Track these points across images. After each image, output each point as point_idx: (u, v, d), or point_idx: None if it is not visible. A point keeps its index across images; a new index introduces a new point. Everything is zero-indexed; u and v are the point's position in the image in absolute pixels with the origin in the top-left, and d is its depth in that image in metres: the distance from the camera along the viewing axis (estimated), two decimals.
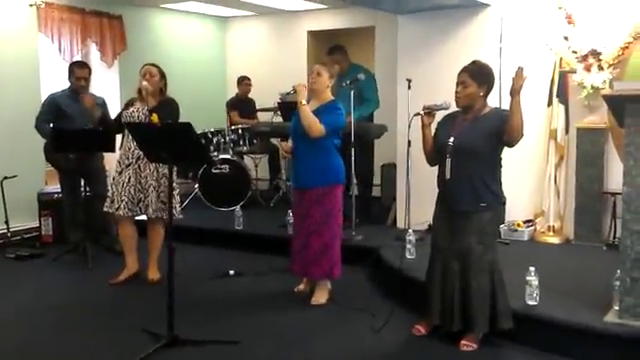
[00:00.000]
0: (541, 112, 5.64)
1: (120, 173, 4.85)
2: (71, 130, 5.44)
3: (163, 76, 4.97)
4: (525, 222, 5.70)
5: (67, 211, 5.92)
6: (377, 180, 6.89)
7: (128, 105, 5.00)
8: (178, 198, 5.06)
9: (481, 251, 3.61)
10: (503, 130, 3.52)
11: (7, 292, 4.89)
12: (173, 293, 3.74)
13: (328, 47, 6.56)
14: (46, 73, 6.91)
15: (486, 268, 3.62)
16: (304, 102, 4.32)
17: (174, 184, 4.92)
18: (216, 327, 4.06)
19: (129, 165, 4.83)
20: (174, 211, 4.90)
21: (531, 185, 5.80)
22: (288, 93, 4.49)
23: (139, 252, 5.10)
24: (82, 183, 5.63)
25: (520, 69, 3.45)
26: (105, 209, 4.93)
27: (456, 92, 3.68)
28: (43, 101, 5.89)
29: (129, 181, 4.81)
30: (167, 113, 4.65)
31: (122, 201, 4.81)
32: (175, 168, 5.00)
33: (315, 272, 4.51)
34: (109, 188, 4.97)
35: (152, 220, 4.95)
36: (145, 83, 4.73)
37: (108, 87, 7.49)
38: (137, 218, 5.03)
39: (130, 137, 4.77)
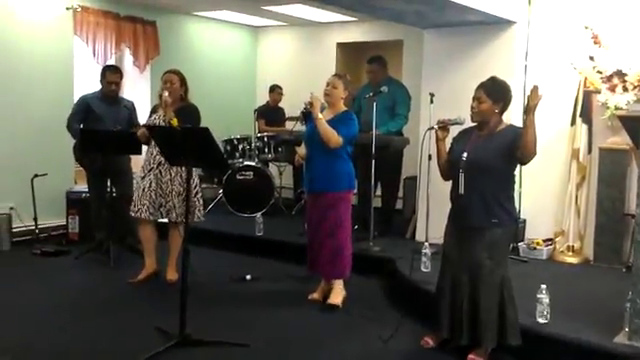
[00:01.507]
0: (564, 131, 5.62)
1: (143, 178, 4.99)
2: (98, 131, 5.60)
3: (183, 82, 5.06)
4: (545, 241, 5.68)
5: (93, 210, 6.07)
6: (400, 192, 6.90)
7: (153, 112, 5.14)
8: (202, 201, 5.15)
9: (492, 266, 3.62)
10: (517, 147, 3.54)
11: (28, 286, 5.04)
12: (186, 293, 3.83)
13: (369, 56, 6.60)
14: (80, 75, 7.10)
15: (496, 283, 3.63)
16: (320, 115, 4.48)
17: (197, 188, 5.04)
18: (227, 329, 4.12)
19: (150, 170, 4.95)
20: (198, 213, 5.03)
21: (552, 204, 5.77)
22: (307, 105, 4.59)
23: (160, 253, 5.21)
24: (108, 183, 5.78)
25: (535, 87, 3.46)
26: (131, 213, 5.05)
27: (471, 107, 3.71)
28: (75, 102, 6.07)
29: (150, 186, 4.94)
30: (186, 119, 4.73)
31: (143, 205, 4.94)
32: (199, 172, 5.16)
33: (331, 272, 4.69)
34: (134, 191, 5.09)
35: (174, 223, 5.06)
36: (165, 94, 4.80)
37: (139, 92, 7.68)
38: (160, 220, 5.14)
39: (153, 143, 4.90)
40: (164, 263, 5.18)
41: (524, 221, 5.77)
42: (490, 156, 3.63)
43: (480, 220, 3.66)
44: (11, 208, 6.21)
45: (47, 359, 3.64)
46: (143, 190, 4.95)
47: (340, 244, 4.62)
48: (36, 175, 6.26)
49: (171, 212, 4.96)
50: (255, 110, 8.23)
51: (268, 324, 4.30)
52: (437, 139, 3.89)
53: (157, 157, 4.92)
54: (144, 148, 5.25)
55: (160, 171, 4.94)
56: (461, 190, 3.71)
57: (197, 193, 5.04)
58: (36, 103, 6.54)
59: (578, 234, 5.59)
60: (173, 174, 4.93)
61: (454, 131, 3.95)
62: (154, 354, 3.59)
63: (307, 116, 5.45)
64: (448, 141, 3.92)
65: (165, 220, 5.10)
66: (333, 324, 4.34)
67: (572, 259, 5.54)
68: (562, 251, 5.63)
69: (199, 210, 5.05)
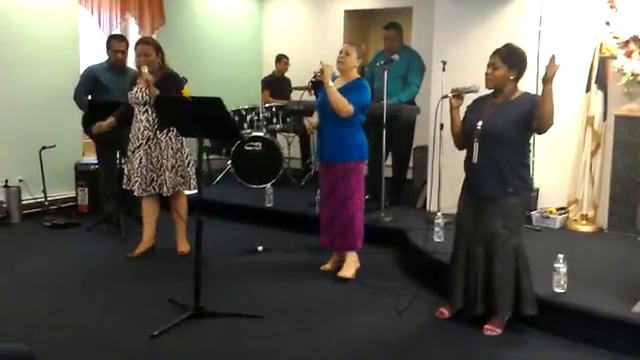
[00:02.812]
0: (579, 98, 5.53)
1: (133, 152, 4.89)
2: (106, 102, 5.53)
3: (159, 50, 4.87)
4: (558, 209, 5.62)
5: (102, 182, 6.04)
6: (410, 162, 6.84)
7: (133, 83, 4.96)
8: (193, 169, 5.01)
9: (506, 235, 3.58)
10: (533, 116, 3.47)
11: (40, 259, 5.03)
12: (200, 265, 3.81)
13: (384, 23, 6.47)
14: (85, 45, 7.01)
15: (510, 253, 3.60)
16: (331, 83, 4.38)
17: (190, 158, 4.95)
18: (242, 301, 4.12)
19: (140, 146, 4.85)
20: (193, 182, 4.96)
21: (566, 172, 5.71)
22: (317, 74, 4.50)
23: (167, 226, 5.17)
24: (118, 155, 5.74)
25: (553, 57, 3.38)
26: (123, 186, 4.99)
27: (486, 74, 3.65)
28: (82, 73, 6.01)
29: (140, 162, 4.84)
30: (171, 88, 4.68)
31: (135, 182, 4.86)
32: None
33: (341, 244, 4.65)
34: (126, 165, 5.00)
35: (172, 196, 4.99)
36: (145, 70, 4.67)
37: None
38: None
39: (139, 117, 4.83)
40: (171, 236, 5.14)
41: (537, 190, 5.70)
42: (505, 124, 3.57)
43: (495, 189, 3.61)
44: (20, 180, 6.17)
45: (62, 332, 3.63)
46: (132, 165, 4.87)
47: (351, 215, 4.57)
48: (44, 147, 6.22)
49: (163, 186, 4.88)
50: (262, 81, 8.16)
51: (281, 296, 4.29)
52: (451, 107, 3.81)
53: (145, 132, 4.83)
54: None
55: (150, 146, 4.84)
56: (475, 159, 3.66)
57: (189, 163, 4.96)
58: (42, 75, 6.45)
59: (592, 203, 5.53)
60: (163, 147, 4.83)
61: (468, 100, 3.88)
62: (170, 326, 3.59)
63: (317, 85, 5.38)
64: (462, 110, 3.85)
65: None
66: (347, 295, 4.32)
67: (586, 228, 5.49)
68: (575, 220, 5.58)
69: (193, 179, 4.97)
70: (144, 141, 4.85)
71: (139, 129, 4.87)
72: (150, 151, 4.86)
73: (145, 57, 4.76)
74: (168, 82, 4.77)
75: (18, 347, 1.94)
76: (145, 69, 4.70)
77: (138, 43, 4.90)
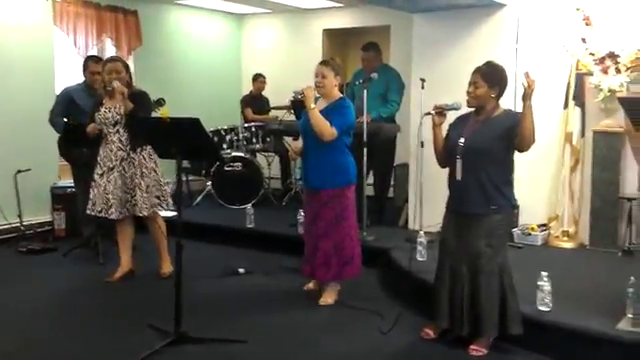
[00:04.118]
0: (557, 115, 5.57)
1: (101, 175, 4.79)
2: (83, 124, 5.42)
3: (128, 69, 4.87)
4: (539, 226, 5.62)
5: (80, 205, 5.92)
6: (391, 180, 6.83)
7: (99, 104, 4.90)
8: (168, 190, 4.97)
9: (490, 254, 3.56)
10: (515, 134, 3.47)
11: (16, 286, 4.91)
12: (181, 289, 3.73)
13: (364, 43, 6.45)
14: (61, 67, 6.92)
15: (495, 271, 3.57)
16: (313, 105, 4.25)
17: (162, 179, 4.90)
18: (224, 325, 4.04)
19: (113, 168, 4.77)
20: (164, 205, 4.91)
21: (546, 189, 5.72)
22: (297, 95, 4.39)
23: (145, 248, 5.09)
24: None
25: (526, 73, 3.41)
26: (87, 211, 4.89)
27: (468, 92, 3.65)
28: (57, 95, 5.92)
29: (115, 184, 4.76)
30: (142, 106, 4.65)
31: (111, 206, 4.76)
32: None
33: (322, 276, 4.48)
34: (91, 190, 4.88)
35: (150, 217, 4.92)
36: (117, 84, 4.63)
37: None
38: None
39: (110, 138, 4.76)
40: (154, 258, 5.07)
41: (518, 207, 5.70)
42: (488, 140, 3.57)
43: (479, 207, 3.60)
44: None
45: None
46: (105, 189, 4.76)
47: (337, 244, 4.35)
48: (19, 171, 6.12)
49: (136, 207, 4.79)
50: (241, 100, 8.14)
51: (264, 319, 4.21)
52: (434, 125, 3.80)
53: (119, 153, 4.77)
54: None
55: (124, 167, 4.77)
56: (459, 176, 3.65)
57: (165, 184, 4.91)
58: (16, 97, 6.35)
59: (573, 219, 5.55)
60: (136, 166, 4.77)
61: (450, 117, 3.87)
62: (151, 353, 3.49)
63: (296, 105, 5.34)
64: (444, 127, 3.84)
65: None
66: (331, 317, 4.26)
67: (567, 244, 5.49)
68: (557, 236, 5.59)
69: (166, 202, 4.92)
70: (118, 162, 4.77)
71: (111, 150, 4.78)
72: (124, 172, 4.78)
73: (117, 74, 4.73)
74: (138, 98, 4.73)
75: None
76: (117, 83, 4.65)
77: (107, 62, 4.88)
